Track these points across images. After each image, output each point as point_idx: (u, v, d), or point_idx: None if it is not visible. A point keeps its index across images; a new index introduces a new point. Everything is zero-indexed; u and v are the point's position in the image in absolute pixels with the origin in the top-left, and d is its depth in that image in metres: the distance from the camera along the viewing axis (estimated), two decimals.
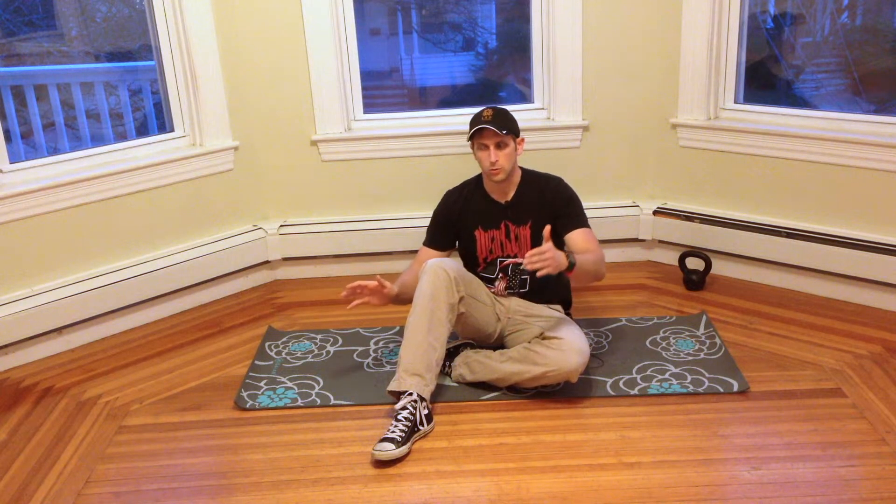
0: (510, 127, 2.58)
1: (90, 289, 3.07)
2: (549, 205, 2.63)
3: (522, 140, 2.66)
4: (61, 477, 2.28)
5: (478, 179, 2.74)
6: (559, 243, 2.60)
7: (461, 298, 2.53)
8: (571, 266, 2.36)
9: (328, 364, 2.87)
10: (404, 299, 2.63)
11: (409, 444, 2.29)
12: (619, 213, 3.61)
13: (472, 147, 2.64)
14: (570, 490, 2.11)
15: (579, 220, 2.64)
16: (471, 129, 2.60)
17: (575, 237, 2.60)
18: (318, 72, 3.44)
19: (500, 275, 2.73)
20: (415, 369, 2.42)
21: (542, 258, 2.25)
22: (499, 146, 2.56)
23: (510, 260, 2.70)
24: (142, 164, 3.21)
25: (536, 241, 2.66)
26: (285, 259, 3.66)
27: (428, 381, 2.42)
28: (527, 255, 2.28)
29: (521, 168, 2.71)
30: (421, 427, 2.35)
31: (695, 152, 3.49)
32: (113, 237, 3.19)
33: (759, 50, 3.47)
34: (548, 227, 2.37)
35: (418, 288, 2.50)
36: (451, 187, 2.83)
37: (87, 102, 4.13)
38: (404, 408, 2.35)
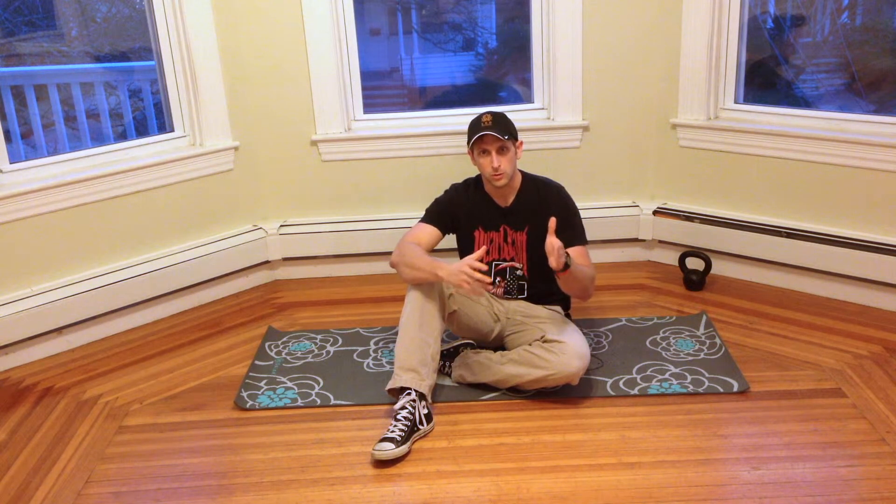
0: (510, 131, 2.56)
1: (90, 289, 3.07)
2: (547, 215, 2.60)
3: (521, 143, 2.64)
4: (61, 477, 2.28)
5: (478, 181, 2.73)
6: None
7: (450, 295, 2.53)
8: (566, 267, 2.38)
9: (328, 364, 2.87)
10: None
11: (408, 443, 2.29)
12: (619, 213, 3.61)
13: (472, 153, 2.62)
14: (570, 490, 2.11)
15: (576, 236, 2.61)
16: (471, 135, 2.58)
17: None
18: (318, 72, 3.44)
19: (498, 279, 2.72)
20: (409, 365, 2.42)
21: (559, 250, 2.31)
22: (500, 151, 2.53)
23: (506, 264, 2.69)
24: (142, 164, 3.21)
25: (532, 247, 2.66)
26: (285, 259, 3.66)
27: (424, 375, 2.42)
28: (548, 243, 2.33)
29: (521, 172, 2.70)
30: (420, 426, 2.35)
31: (695, 152, 3.49)
32: (113, 237, 3.19)
33: (760, 50, 3.47)
34: (553, 220, 2.37)
35: (408, 286, 2.52)
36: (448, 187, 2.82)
37: (87, 102, 4.13)
38: (403, 407, 2.35)
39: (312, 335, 3.11)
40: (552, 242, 2.32)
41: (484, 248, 2.50)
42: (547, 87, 3.54)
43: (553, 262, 2.33)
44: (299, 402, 2.62)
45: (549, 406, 2.51)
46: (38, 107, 4.02)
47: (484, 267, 2.37)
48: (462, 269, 2.34)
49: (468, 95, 4.14)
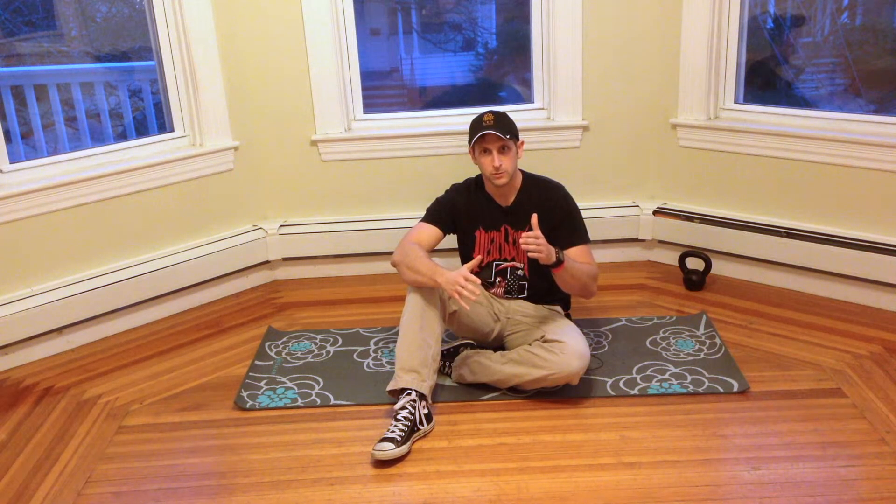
0: (512, 130, 2.56)
1: (90, 289, 3.07)
2: (549, 215, 2.59)
3: (522, 143, 2.64)
4: (61, 477, 2.28)
5: (478, 181, 2.73)
6: None
7: (450, 296, 2.53)
8: (559, 262, 2.38)
9: (328, 364, 2.87)
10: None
11: (408, 443, 2.29)
12: (619, 213, 3.61)
13: (473, 152, 2.62)
14: (570, 490, 2.11)
15: (578, 235, 2.61)
16: (472, 134, 2.57)
17: (571, 254, 2.56)
18: (318, 72, 3.44)
19: (499, 279, 2.72)
20: (410, 366, 2.42)
21: (537, 242, 2.32)
22: (502, 150, 2.53)
23: (507, 263, 2.69)
24: (142, 164, 3.21)
25: None
26: (285, 259, 3.66)
27: (424, 376, 2.42)
28: (522, 235, 2.34)
29: (521, 171, 2.70)
30: (420, 427, 2.35)
31: (695, 152, 3.49)
32: (113, 237, 3.19)
33: (760, 50, 3.47)
34: (535, 216, 2.38)
35: (409, 287, 2.52)
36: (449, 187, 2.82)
37: (87, 102, 4.13)
38: (403, 407, 2.36)
39: (312, 335, 3.11)
40: (528, 237, 2.33)
41: (479, 257, 2.56)
42: (547, 87, 3.54)
43: (543, 255, 2.34)
44: (299, 402, 2.62)
45: (549, 406, 2.51)
46: (38, 107, 4.02)
47: (477, 281, 2.35)
48: (457, 280, 2.34)
49: (468, 95, 4.14)
